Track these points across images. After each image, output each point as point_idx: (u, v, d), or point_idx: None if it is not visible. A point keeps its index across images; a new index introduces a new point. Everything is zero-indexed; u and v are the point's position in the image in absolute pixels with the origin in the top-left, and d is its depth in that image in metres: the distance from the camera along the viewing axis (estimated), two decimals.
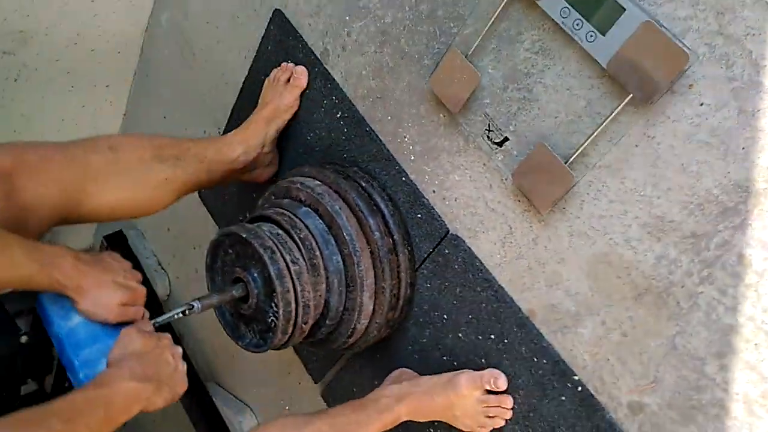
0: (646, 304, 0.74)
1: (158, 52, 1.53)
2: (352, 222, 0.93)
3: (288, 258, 0.88)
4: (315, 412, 0.88)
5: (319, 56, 1.09)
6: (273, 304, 0.88)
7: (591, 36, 0.71)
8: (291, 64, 1.12)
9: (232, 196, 1.37)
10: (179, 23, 1.44)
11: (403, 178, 0.99)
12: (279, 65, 1.14)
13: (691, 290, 0.70)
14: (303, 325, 0.91)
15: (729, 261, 0.67)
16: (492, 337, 0.91)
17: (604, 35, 0.70)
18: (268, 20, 1.18)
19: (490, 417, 0.89)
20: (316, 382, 1.27)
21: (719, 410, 0.70)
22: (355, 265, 0.92)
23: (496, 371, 0.89)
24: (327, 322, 0.95)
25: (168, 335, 0.84)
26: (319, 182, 0.98)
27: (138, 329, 0.81)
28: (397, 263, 0.95)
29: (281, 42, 1.15)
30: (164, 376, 0.78)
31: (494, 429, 0.91)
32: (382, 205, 0.97)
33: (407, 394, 0.93)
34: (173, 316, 0.86)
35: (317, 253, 0.92)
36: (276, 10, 1.15)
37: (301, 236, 0.91)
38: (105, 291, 0.80)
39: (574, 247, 0.80)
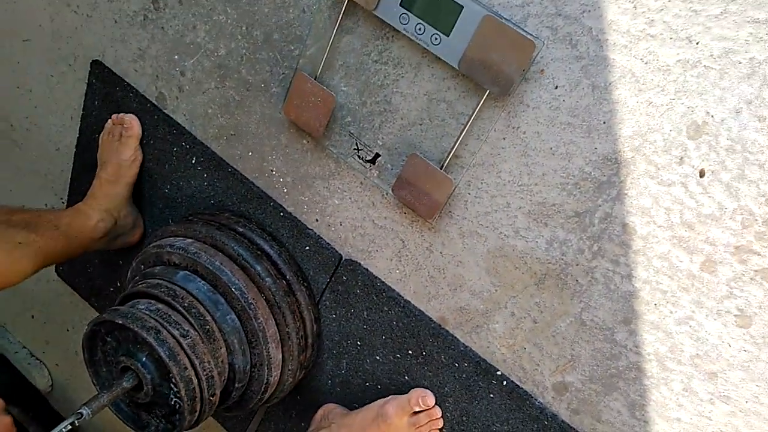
0: (548, 288, 0.75)
1: None
2: (238, 274, 0.86)
3: (176, 333, 0.80)
4: None
5: (155, 102, 1.00)
6: (172, 385, 0.80)
7: (436, 39, 0.70)
8: (121, 115, 1.02)
9: (95, 267, 1.24)
10: None
11: (281, 213, 0.93)
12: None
13: (585, 267, 0.71)
14: (211, 398, 0.83)
15: (614, 232, 0.68)
16: (410, 352, 0.88)
17: (448, 36, 0.69)
18: (88, 73, 1.06)
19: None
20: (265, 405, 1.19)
21: (636, 373, 0.72)
22: (253, 319, 0.85)
23: (420, 391, 0.87)
24: (236, 385, 0.88)
25: None
26: (190, 239, 0.89)
27: None
28: (297, 303, 0.89)
29: (109, 94, 1.04)
30: None
31: None
32: (266, 247, 0.91)
33: None
34: (61, 430, 0.76)
35: (208, 318, 0.84)
36: (94, 61, 1.04)
37: (185, 304, 0.83)
38: None
39: (468, 247, 0.79)
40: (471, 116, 0.71)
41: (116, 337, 0.82)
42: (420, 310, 0.86)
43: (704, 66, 0.59)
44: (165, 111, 0.99)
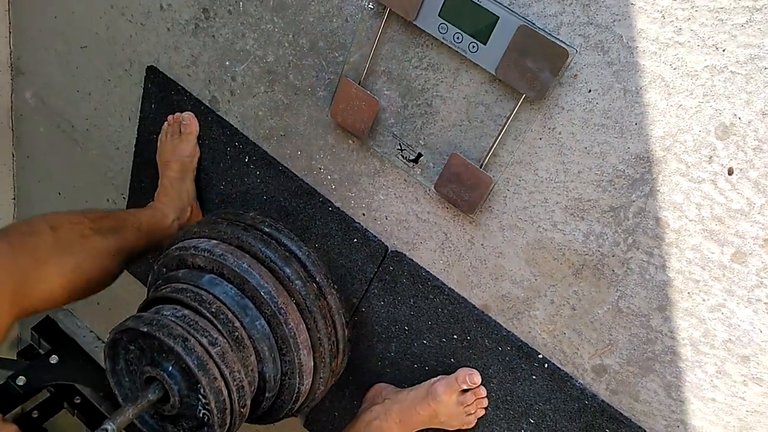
0: (585, 278, 0.79)
1: (32, 131, 1.44)
2: (267, 277, 0.82)
3: (205, 341, 0.75)
4: None
5: (209, 105, 1.06)
6: (201, 396, 0.76)
7: (473, 47, 0.73)
8: (177, 114, 1.08)
9: (153, 255, 1.33)
10: (46, 98, 1.35)
11: (330, 208, 0.99)
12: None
13: (621, 258, 0.75)
14: (242, 410, 0.80)
15: (648, 225, 0.72)
16: (455, 337, 0.94)
17: (485, 44, 0.73)
18: (143, 78, 1.13)
19: (471, 413, 0.94)
20: (296, 416, 1.28)
21: (671, 356, 0.77)
22: (283, 324, 0.81)
23: (467, 370, 0.93)
24: (267, 395, 0.85)
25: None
26: (215, 241, 0.86)
27: None
28: (328, 307, 0.88)
29: (164, 98, 1.11)
30: None
31: (480, 418, 0.96)
32: (295, 248, 0.88)
33: (394, 412, 0.96)
34: None
35: (236, 324, 0.80)
36: (149, 67, 1.11)
37: (213, 310, 0.79)
38: None
39: (508, 239, 0.83)
40: (508, 118, 0.75)
41: (140, 345, 0.78)
42: (463, 297, 0.91)
43: (731, 71, 0.62)
44: (218, 113, 1.06)
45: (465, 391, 0.93)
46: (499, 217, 0.83)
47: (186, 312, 0.78)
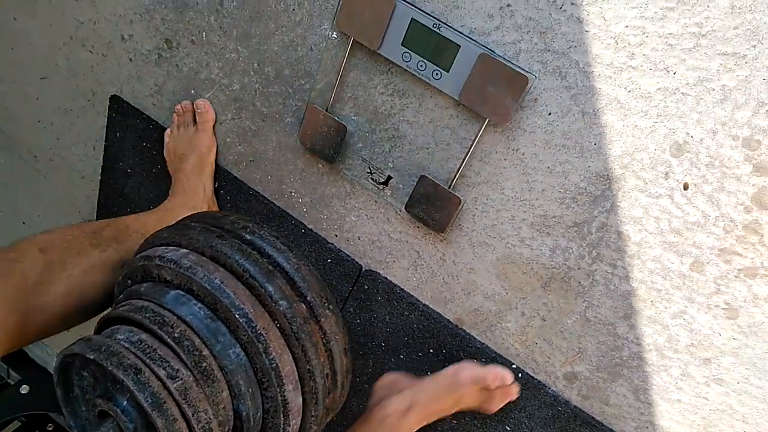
0: (554, 290, 0.82)
1: None
2: (244, 296, 0.69)
3: (163, 373, 0.63)
4: None
5: None
6: None
7: (437, 74, 0.76)
8: (186, 103, 1.01)
9: None
10: (6, 128, 1.33)
11: (302, 230, 1.00)
12: (135, 147, 1.10)
13: (587, 270, 0.79)
14: None
15: (611, 239, 0.76)
16: (431, 351, 0.97)
17: (448, 72, 0.75)
18: (107, 107, 1.12)
19: (496, 398, 0.89)
20: None
21: (638, 361, 0.80)
22: (263, 354, 0.68)
23: (499, 370, 0.87)
24: None
25: None
26: (185, 250, 0.72)
27: None
28: (321, 332, 0.74)
29: (129, 126, 1.11)
30: None
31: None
32: (281, 260, 0.73)
33: (414, 405, 0.87)
34: None
35: (205, 352, 0.66)
36: (113, 96, 1.10)
37: (176, 335, 0.66)
38: None
39: (479, 256, 0.86)
40: (473, 141, 0.78)
41: (92, 372, 0.67)
42: (438, 312, 0.94)
43: (682, 93, 0.65)
44: None
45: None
46: (469, 235, 0.85)
47: (143, 336, 0.66)
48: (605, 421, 0.86)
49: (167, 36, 0.98)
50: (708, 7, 0.61)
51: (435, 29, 0.73)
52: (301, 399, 0.72)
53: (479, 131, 0.77)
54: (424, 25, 0.74)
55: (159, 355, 0.64)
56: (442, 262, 0.90)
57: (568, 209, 0.77)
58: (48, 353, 1.71)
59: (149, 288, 0.71)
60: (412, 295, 0.95)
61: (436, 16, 0.74)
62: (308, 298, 0.72)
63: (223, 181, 1.04)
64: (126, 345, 0.64)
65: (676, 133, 0.67)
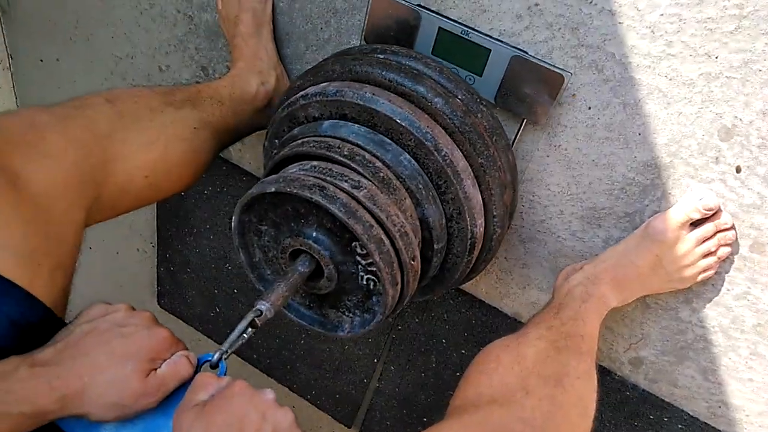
0: None
1: None
2: (398, 102, 0.65)
3: (346, 186, 0.59)
4: (510, 344, 0.67)
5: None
6: (359, 257, 0.61)
7: (470, 79, 0.75)
8: None
9: (193, 297, 1.38)
10: None
11: None
12: None
13: None
14: (412, 262, 0.63)
15: None
16: None
17: (481, 76, 0.74)
18: None
19: (710, 253, 0.71)
20: (349, 427, 1.33)
21: (704, 343, 0.79)
22: (434, 152, 0.63)
23: (695, 191, 0.70)
24: (435, 246, 0.67)
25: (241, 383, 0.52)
26: (325, 83, 0.69)
27: (193, 400, 0.50)
28: (482, 125, 0.67)
29: None
30: None
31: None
32: (421, 66, 0.68)
33: (600, 273, 0.74)
34: (242, 336, 0.57)
35: (377, 164, 0.63)
36: None
37: (345, 153, 0.63)
38: (107, 373, 0.50)
39: (530, 251, 0.86)
40: (513, 140, 0.77)
41: (272, 220, 0.64)
42: (494, 307, 0.95)
43: (726, 77, 0.63)
44: (231, 161, 1.09)
45: (695, 225, 0.70)
46: (518, 231, 0.85)
47: (314, 163, 0.63)
48: (675, 402, 0.86)
49: (203, 64, 1.00)
50: None
51: (464, 36, 0.73)
52: (480, 196, 0.67)
53: (518, 131, 0.76)
54: (451, 32, 0.73)
55: (336, 172, 0.61)
56: (494, 259, 0.90)
57: (617, 200, 0.76)
58: None
59: (302, 129, 0.68)
60: (467, 292, 0.96)
61: (463, 22, 0.73)
62: (459, 96, 0.67)
63: None
64: (301, 173, 0.61)
65: (723, 117, 0.65)
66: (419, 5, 0.74)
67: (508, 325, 0.94)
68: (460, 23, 0.73)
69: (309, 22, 0.85)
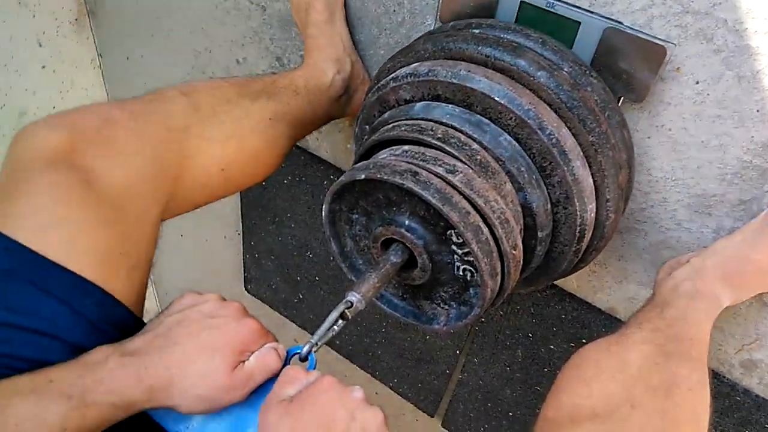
0: None
1: None
2: (497, 78, 0.59)
3: (440, 170, 0.55)
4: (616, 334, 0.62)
5: (299, 144, 1.08)
6: (455, 246, 0.56)
7: None
8: None
9: (278, 283, 1.39)
10: None
11: None
12: None
13: None
14: (513, 251, 0.57)
15: None
16: (584, 341, 0.91)
17: (571, 49, 0.67)
18: None
19: None
20: (432, 416, 1.30)
21: None
22: (538, 131, 0.58)
23: None
24: (539, 234, 0.61)
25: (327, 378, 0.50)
26: (416, 63, 0.65)
27: (280, 395, 0.49)
28: (592, 99, 0.61)
29: None
30: None
31: None
32: (521, 39, 0.63)
33: (710, 267, 0.66)
34: (332, 328, 0.55)
35: (474, 146, 0.58)
36: None
37: (439, 135, 0.58)
38: (195, 365, 0.50)
39: (628, 242, 0.79)
40: None
41: (363, 208, 0.61)
42: (587, 302, 0.88)
43: None
44: (309, 150, 1.07)
45: None
46: None
47: (406, 147, 0.59)
48: None
49: (277, 54, 0.99)
50: None
51: (549, 8, 0.66)
52: (591, 178, 0.61)
53: None
54: (535, 5, 0.67)
55: (429, 156, 0.57)
56: None
57: (731, 186, 0.67)
58: None
59: (392, 113, 0.64)
60: (556, 285, 0.90)
61: None
62: (566, 69, 0.61)
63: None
64: (392, 158, 0.57)
65: None
66: None
67: (602, 321, 0.87)
68: None
69: (381, 5, 0.81)
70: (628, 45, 0.63)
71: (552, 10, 0.66)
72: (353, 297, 0.55)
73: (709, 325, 0.63)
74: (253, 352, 0.52)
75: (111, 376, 0.47)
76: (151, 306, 1.84)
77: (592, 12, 0.65)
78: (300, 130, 0.77)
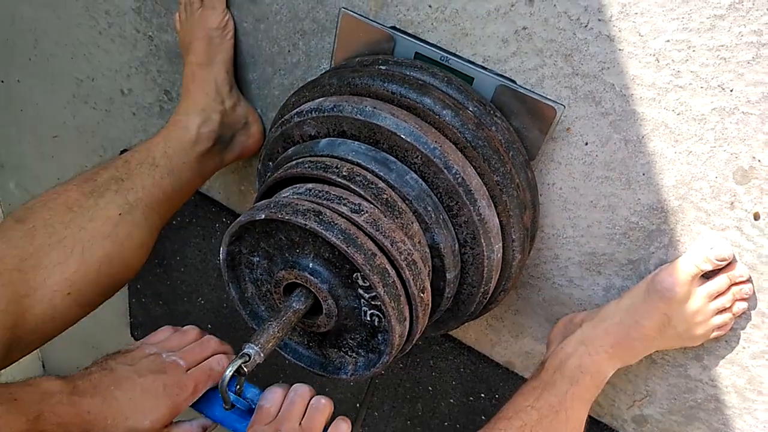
0: None
1: None
2: (402, 115, 0.57)
3: (345, 209, 0.53)
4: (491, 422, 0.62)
5: None
6: (361, 291, 0.54)
7: None
8: None
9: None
10: (30, 187, 1.31)
11: None
12: None
13: None
14: (422, 295, 0.55)
15: None
16: (482, 395, 0.89)
17: None
18: None
19: (725, 309, 0.62)
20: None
21: (716, 404, 0.70)
22: (444, 170, 0.56)
23: (706, 239, 0.61)
24: (447, 276, 0.59)
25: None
26: (321, 98, 0.62)
27: None
28: (497, 139, 0.60)
29: None
30: None
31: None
32: (427, 77, 0.61)
33: (599, 337, 0.65)
34: (225, 388, 0.54)
35: (380, 185, 0.56)
36: (122, 150, 1.06)
37: (344, 173, 0.56)
38: (128, 421, 0.54)
39: (523, 297, 0.77)
40: None
41: (264, 251, 0.57)
42: (485, 355, 0.86)
43: (743, 112, 0.55)
44: (199, 189, 1.01)
45: (707, 277, 0.62)
46: None
47: (310, 186, 0.56)
48: None
49: (166, 87, 0.92)
50: None
51: (443, 62, 0.64)
52: (497, 218, 0.60)
53: None
54: (429, 59, 0.65)
55: (334, 195, 0.54)
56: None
57: (619, 246, 0.67)
58: None
59: (296, 149, 0.61)
60: (455, 338, 0.88)
61: (443, 47, 0.65)
62: (471, 108, 0.60)
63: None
64: (294, 197, 0.55)
65: (739, 157, 0.57)
66: (393, 27, 0.66)
67: (500, 375, 0.85)
68: (439, 48, 0.65)
69: (276, 45, 0.77)
70: (520, 103, 0.62)
71: (446, 63, 0.64)
72: (251, 350, 0.52)
73: (585, 412, 0.63)
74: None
75: (60, 410, 0.50)
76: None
77: (485, 68, 0.63)
78: (163, 210, 0.72)
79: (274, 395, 0.58)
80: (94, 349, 1.58)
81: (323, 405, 0.58)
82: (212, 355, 0.62)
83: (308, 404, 0.58)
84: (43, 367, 1.80)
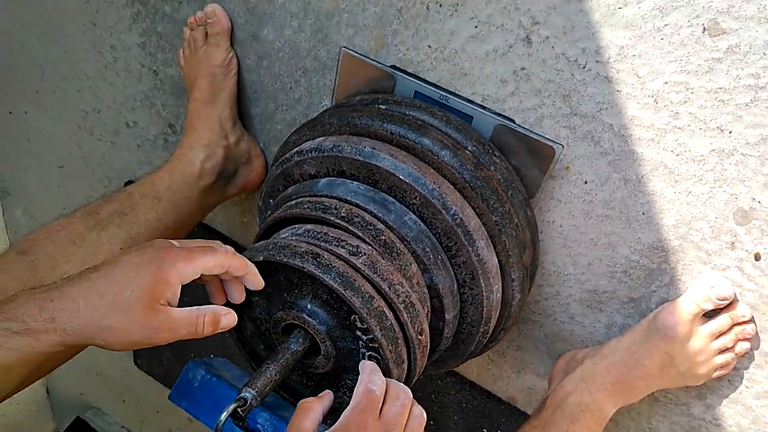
0: None
1: None
2: (401, 156, 0.58)
3: (343, 252, 0.53)
4: None
5: None
6: (359, 332, 0.53)
7: None
8: (201, 13, 0.77)
9: (169, 359, 1.29)
10: (35, 215, 1.32)
11: None
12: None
13: None
14: (420, 337, 0.55)
15: None
16: (485, 430, 0.88)
17: None
18: None
19: (727, 349, 0.62)
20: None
21: None
22: (442, 211, 0.56)
23: (708, 280, 0.61)
24: (446, 317, 0.59)
25: None
26: (321, 137, 0.63)
27: None
28: (495, 179, 0.60)
29: None
30: None
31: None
32: (426, 117, 0.62)
33: (600, 375, 0.65)
34: (218, 428, 0.51)
35: (379, 225, 0.56)
36: (127, 181, 1.07)
37: (343, 215, 0.56)
38: (104, 297, 0.46)
39: (524, 333, 0.77)
40: None
41: (263, 291, 0.56)
42: (487, 390, 0.85)
43: (742, 154, 0.55)
44: (203, 221, 1.01)
45: (709, 315, 0.62)
46: None
47: (308, 227, 0.57)
48: None
49: (170, 121, 0.93)
50: (765, 54, 0.50)
51: (442, 101, 0.65)
52: (496, 258, 0.59)
53: None
54: (429, 97, 0.65)
55: (332, 237, 0.54)
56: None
57: (620, 284, 0.67)
58: (109, 422, 1.71)
59: (296, 189, 0.62)
60: (457, 373, 0.87)
61: (443, 86, 0.66)
62: (469, 148, 0.61)
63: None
64: (293, 239, 0.55)
65: (739, 198, 0.57)
66: (393, 66, 0.67)
67: (502, 411, 0.84)
68: (438, 87, 0.65)
69: (278, 81, 0.78)
70: (519, 142, 0.63)
71: (445, 102, 0.65)
72: (248, 393, 0.51)
73: None
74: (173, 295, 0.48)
75: (15, 306, 0.44)
76: None
77: (484, 107, 0.64)
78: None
79: (379, 380, 0.50)
80: (98, 377, 1.58)
81: (423, 417, 0.53)
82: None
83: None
84: (48, 394, 1.80)
